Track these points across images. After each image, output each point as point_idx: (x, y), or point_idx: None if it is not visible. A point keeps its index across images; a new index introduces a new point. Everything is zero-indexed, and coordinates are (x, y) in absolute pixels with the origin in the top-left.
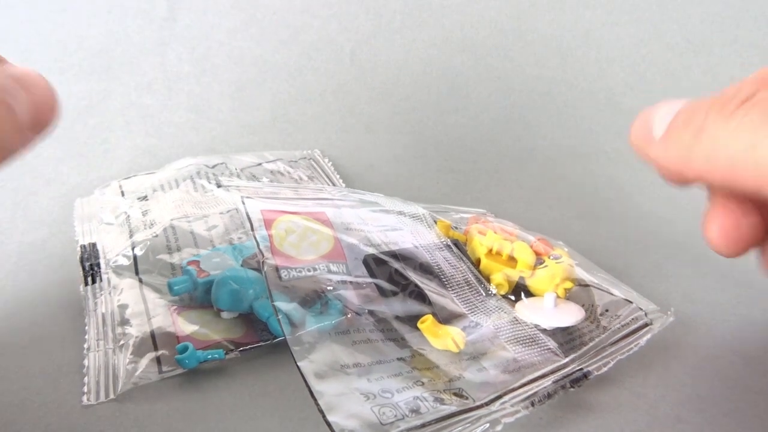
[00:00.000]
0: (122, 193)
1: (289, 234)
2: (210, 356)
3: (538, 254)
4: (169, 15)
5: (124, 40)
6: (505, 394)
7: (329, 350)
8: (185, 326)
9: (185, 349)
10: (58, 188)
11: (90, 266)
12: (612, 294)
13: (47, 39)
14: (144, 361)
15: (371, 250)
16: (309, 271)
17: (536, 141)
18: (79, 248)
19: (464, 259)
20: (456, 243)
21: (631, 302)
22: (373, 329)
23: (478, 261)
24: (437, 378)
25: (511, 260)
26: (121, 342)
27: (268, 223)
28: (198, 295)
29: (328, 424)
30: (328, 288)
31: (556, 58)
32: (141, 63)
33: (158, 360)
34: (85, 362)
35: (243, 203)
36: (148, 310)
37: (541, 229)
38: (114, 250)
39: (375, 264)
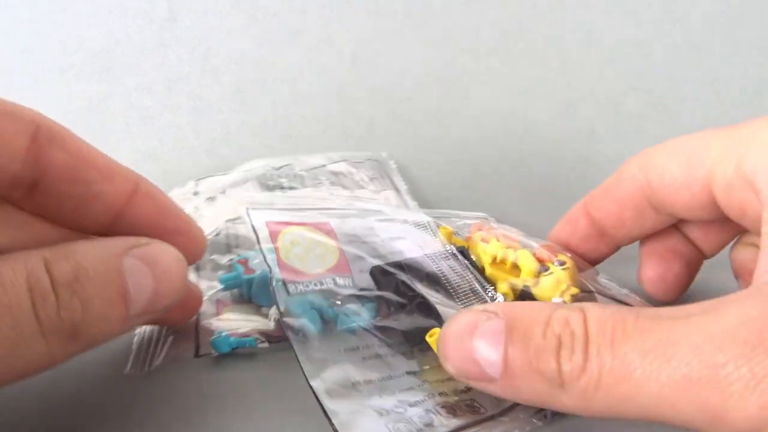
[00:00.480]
0: (196, 193)
1: (294, 246)
2: (241, 343)
3: (541, 261)
4: (169, 16)
5: (125, 40)
6: (518, 405)
7: (340, 368)
8: (227, 316)
9: (220, 334)
10: None
11: None
12: (617, 300)
13: (47, 39)
14: (184, 343)
15: (377, 261)
16: (316, 285)
17: (537, 143)
18: None
19: (470, 267)
20: (462, 251)
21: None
22: (381, 344)
23: (482, 270)
24: (449, 390)
25: (515, 268)
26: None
27: (273, 236)
28: (244, 291)
29: None
30: (337, 303)
31: (557, 60)
32: (141, 64)
33: (197, 343)
34: (135, 339)
35: (248, 215)
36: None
37: (542, 231)
38: None
39: (381, 275)
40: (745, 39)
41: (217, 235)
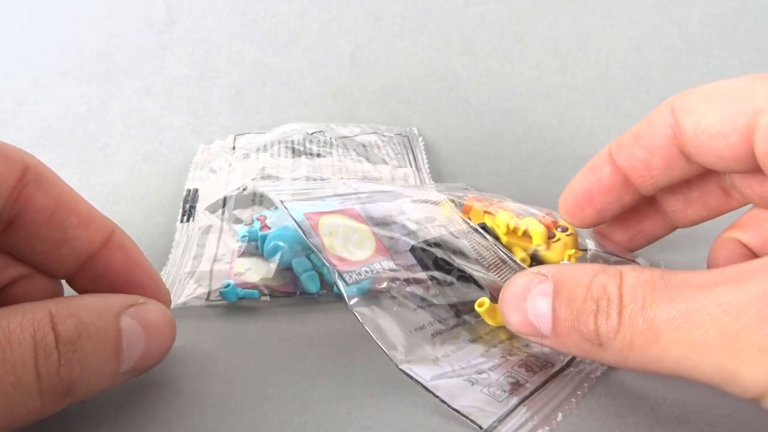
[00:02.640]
0: (234, 148)
1: (333, 236)
2: (246, 294)
3: (547, 227)
4: (168, 19)
5: (124, 44)
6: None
7: (418, 347)
8: (239, 268)
9: (228, 285)
10: None
11: (189, 208)
12: (617, 256)
13: (47, 43)
14: (198, 290)
15: (410, 241)
16: (368, 272)
17: (536, 144)
18: (185, 191)
19: (490, 239)
20: (483, 227)
21: (634, 260)
22: (442, 319)
23: (498, 239)
24: (515, 350)
25: (526, 235)
26: (193, 271)
27: (314, 228)
28: (259, 246)
29: (456, 411)
30: (393, 285)
31: (555, 61)
32: (140, 67)
33: (209, 291)
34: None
35: (285, 208)
36: (218, 252)
37: None
38: (210, 197)
39: (421, 254)
40: (743, 40)
41: (243, 190)
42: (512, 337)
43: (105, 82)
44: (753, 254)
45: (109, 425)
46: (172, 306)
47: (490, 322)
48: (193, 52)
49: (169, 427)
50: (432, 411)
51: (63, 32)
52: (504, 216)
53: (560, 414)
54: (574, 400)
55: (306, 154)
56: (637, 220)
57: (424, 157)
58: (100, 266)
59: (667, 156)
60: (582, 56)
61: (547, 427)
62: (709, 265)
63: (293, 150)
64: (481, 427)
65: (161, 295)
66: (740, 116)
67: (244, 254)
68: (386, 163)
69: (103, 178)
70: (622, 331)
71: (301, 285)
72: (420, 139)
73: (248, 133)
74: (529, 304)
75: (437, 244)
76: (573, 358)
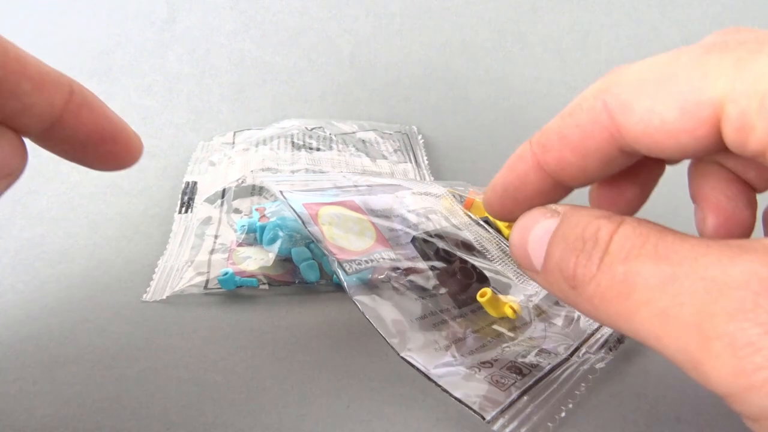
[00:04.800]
0: (233, 143)
1: (333, 226)
2: (244, 283)
3: None
4: (169, 17)
5: (125, 42)
6: (582, 344)
7: (419, 336)
8: (237, 257)
9: (226, 273)
10: (57, 186)
11: (187, 199)
12: None
13: (48, 41)
14: (196, 278)
15: (412, 233)
16: (368, 262)
17: None
18: (183, 183)
19: (493, 232)
20: (486, 221)
21: None
22: (443, 310)
23: (499, 231)
24: (518, 342)
25: None
26: (191, 260)
27: (313, 218)
28: (258, 236)
29: (458, 400)
30: (393, 275)
31: (555, 60)
32: (141, 65)
33: (207, 279)
34: (156, 270)
35: (285, 198)
36: (216, 242)
37: None
38: (209, 190)
39: (423, 244)
40: None
41: (242, 183)
42: (514, 327)
43: (106, 80)
44: (741, 181)
45: (106, 415)
46: (169, 294)
47: (492, 312)
48: (193, 50)
49: (166, 417)
50: (432, 404)
51: (64, 30)
52: None
53: (563, 410)
54: (577, 392)
55: (306, 148)
56: (617, 189)
57: (424, 154)
58: (66, 127)
59: (604, 157)
60: (582, 56)
61: (549, 424)
62: (693, 198)
63: (293, 144)
64: (483, 418)
65: (132, 141)
66: (702, 107)
67: (242, 245)
68: (386, 158)
69: (102, 172)
70: (597, 277)
71: (300, 274)
72: (420, 137)
73: (248, 129)
74: (531, 235)
75: (439, 236)
76: (576, 349)
